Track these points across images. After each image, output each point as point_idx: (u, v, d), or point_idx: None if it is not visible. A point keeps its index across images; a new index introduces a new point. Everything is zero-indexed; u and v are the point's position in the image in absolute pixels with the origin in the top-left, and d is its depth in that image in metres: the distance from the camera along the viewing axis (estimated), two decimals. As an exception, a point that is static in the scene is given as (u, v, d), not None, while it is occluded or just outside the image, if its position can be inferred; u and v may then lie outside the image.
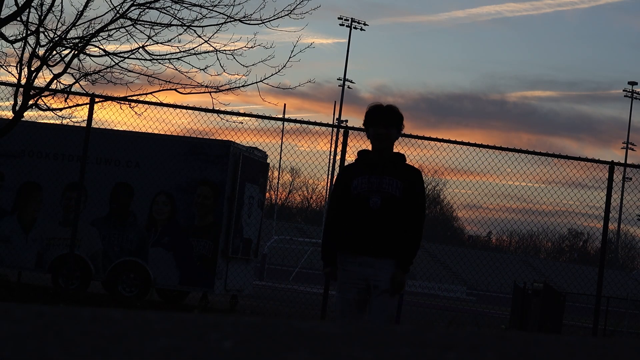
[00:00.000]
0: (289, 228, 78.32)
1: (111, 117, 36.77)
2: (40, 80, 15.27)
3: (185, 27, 15.47)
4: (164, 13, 15.41)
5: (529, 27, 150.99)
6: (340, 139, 16.68)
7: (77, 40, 15.17)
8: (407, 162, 7.50)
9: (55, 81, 15.24)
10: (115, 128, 19.98)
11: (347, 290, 7.37)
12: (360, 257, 7.32)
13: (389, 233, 7.29)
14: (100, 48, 15.37)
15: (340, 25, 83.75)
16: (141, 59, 15.48)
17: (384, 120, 7.38)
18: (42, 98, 15.42)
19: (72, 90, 15.91)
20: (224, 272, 19.31)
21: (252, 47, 15.77)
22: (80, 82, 15.58)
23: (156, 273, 18.97)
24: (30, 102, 15.14)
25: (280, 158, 59.60)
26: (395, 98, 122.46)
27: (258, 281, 40.55)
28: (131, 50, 15.43)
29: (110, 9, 15.23)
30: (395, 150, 7.55)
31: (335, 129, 44.10)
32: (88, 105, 16.61)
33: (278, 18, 15.68)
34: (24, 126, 18.00)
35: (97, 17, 15.25)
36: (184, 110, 17.75)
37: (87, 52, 15.31)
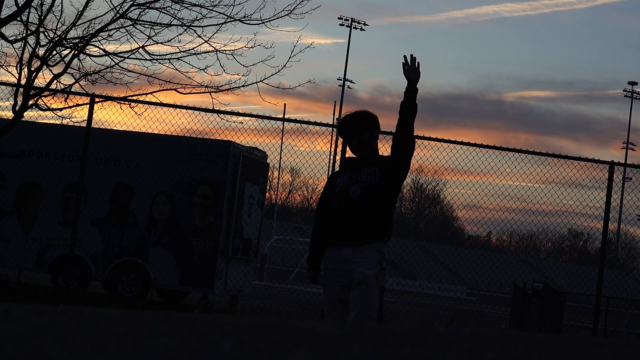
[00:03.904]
0: (289, 228, 78.30)
1: (111, 117, 36.79)
2: (40, 80, 15.28)
3: (185, 27, 15.48)
4: (164, 13, 15.41)
5: (527, 28, 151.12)
6: (340, 139, 16.65)
7: (77, 40, 15.17)
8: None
9: (55, 81, 15.24)
10: (115, 128, 19.99)
11: (330, 289, 7.39)
12: (342, 251, 7.32)
13: (369, 219, 7.31)
14: (100, 48, 15.38)
15: (340, 25, 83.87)
16: (141, 59, 15.49)
17: (353, 133, 7.46)
18: (42, 98, 15.41)
19: (72, 90, 15.90)
20: (224, 272, 19.30)
21: (252, 47, 15.78)
22: (80, 82, 15.59)
23: (156, 273, 18.96)
24: (30, 102, 15.14)
25: (280, 158, 59.63)
26: (392, 98, 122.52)
27: (258, 281, 40.53)
28: (131, 50, 15.44)
29: (110, 9, 15.24)
30: (386, 151, 7.68)
31: (335, 129, 44.10)
32: (88, 105, 16.60)
33: (278, 18, 15.69)
34: (24, 126, 18.00)
35: (97, 17, 15.26)
36: (184, 110, 17.74)
37: (87, 52, 15.31)
